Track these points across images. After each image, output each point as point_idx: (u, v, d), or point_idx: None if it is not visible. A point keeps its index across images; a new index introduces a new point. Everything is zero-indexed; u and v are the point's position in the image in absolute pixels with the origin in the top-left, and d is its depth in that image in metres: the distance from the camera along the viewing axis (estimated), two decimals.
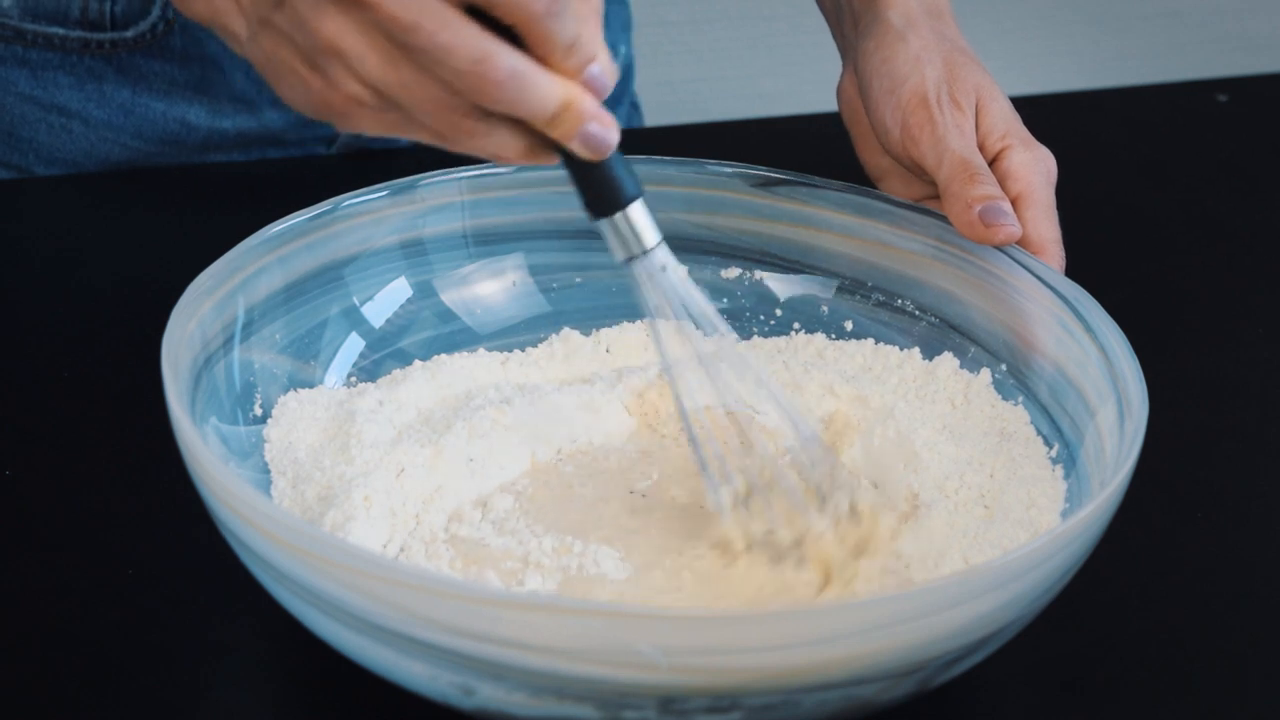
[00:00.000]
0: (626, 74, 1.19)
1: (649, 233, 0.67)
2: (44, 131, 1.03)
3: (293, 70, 0.64)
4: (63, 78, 1.01)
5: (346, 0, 0.61)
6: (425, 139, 0.64)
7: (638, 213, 0.67)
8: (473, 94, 0.62)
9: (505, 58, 0.61)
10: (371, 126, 0.64)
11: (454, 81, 0.61)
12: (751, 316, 0.85)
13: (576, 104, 0.63)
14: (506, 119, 0.63)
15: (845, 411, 0.78)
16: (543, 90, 0.62)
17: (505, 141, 0.64)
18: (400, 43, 0.61)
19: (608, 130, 0.64)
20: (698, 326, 0.70)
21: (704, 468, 0.71)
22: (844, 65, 0.89)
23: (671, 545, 0.72)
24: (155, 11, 0.98)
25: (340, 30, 0.62)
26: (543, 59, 0.62)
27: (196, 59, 1.01)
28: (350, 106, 0.64)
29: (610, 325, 0.84)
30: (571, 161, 0.65)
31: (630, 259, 0.68)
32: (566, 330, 0.83)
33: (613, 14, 1.15)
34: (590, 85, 0.63)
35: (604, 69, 0.64)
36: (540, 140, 0.64)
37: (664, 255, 0.68)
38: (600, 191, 0.66)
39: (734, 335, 0.71)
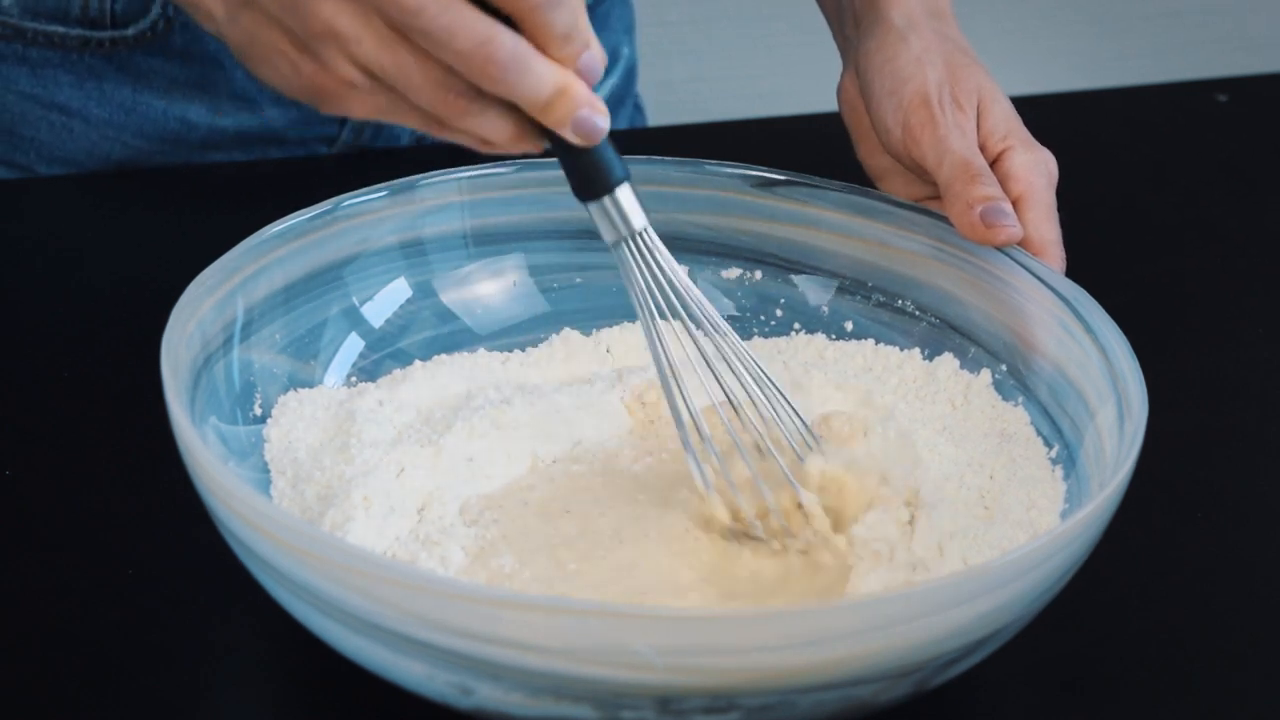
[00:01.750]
0: (630, 75, 1.19)
1: (637, 215, 0.69)
2: (45, 130, 1.03)
3: (280, 52, 0.65)
4: (63, 76, 1.01)
5: None
6: (412, 123, 0.65)
7: (626, 195, 0.68)
8: (475, 75, 0.63)
9: (508, 40, 0.63)
10: (360, 109, 0.65)
11: (456, 63, 0.62)
12: (751, 317, 0.85)
13: (571, 91, 0.64)
14: (498, 103, 0.64)
15: (849, 412, 0.78)
16: (540, 75, 0.63)
17: (495, 125, 0.65)
18: (400, 25, 0.62)
19: (600, 117, 0.65)
20: (683, 310, 0.71)
21: (688, 447, 0.72)
22: (844, 65, 0.89)
23: (673, 544, 0.72)
24: (155, 9, 0.98)
25: (336, 12, 0.63)
26: (540, 45, 0.64)
27: (197, 57, 1.01)
28: (342, 89, 0.65)
29: (610, 325, 0.84)
30: (561, 146, 0.66)
31: (619, 240, 0.69)
32: (567, 330, 0.83)
33: (615, 15, 1.15)
34: (583, 73, 0.65)
35: (596, 57, 0.65)
36: (528, 125, 0.65)
37: (651, 237, 0.69)
38: (590, 175, 0.68)
39: (723, 323, 0.71)
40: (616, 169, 0.68)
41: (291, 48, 0.65)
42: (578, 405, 0.78)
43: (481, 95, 0.64)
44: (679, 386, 0.71)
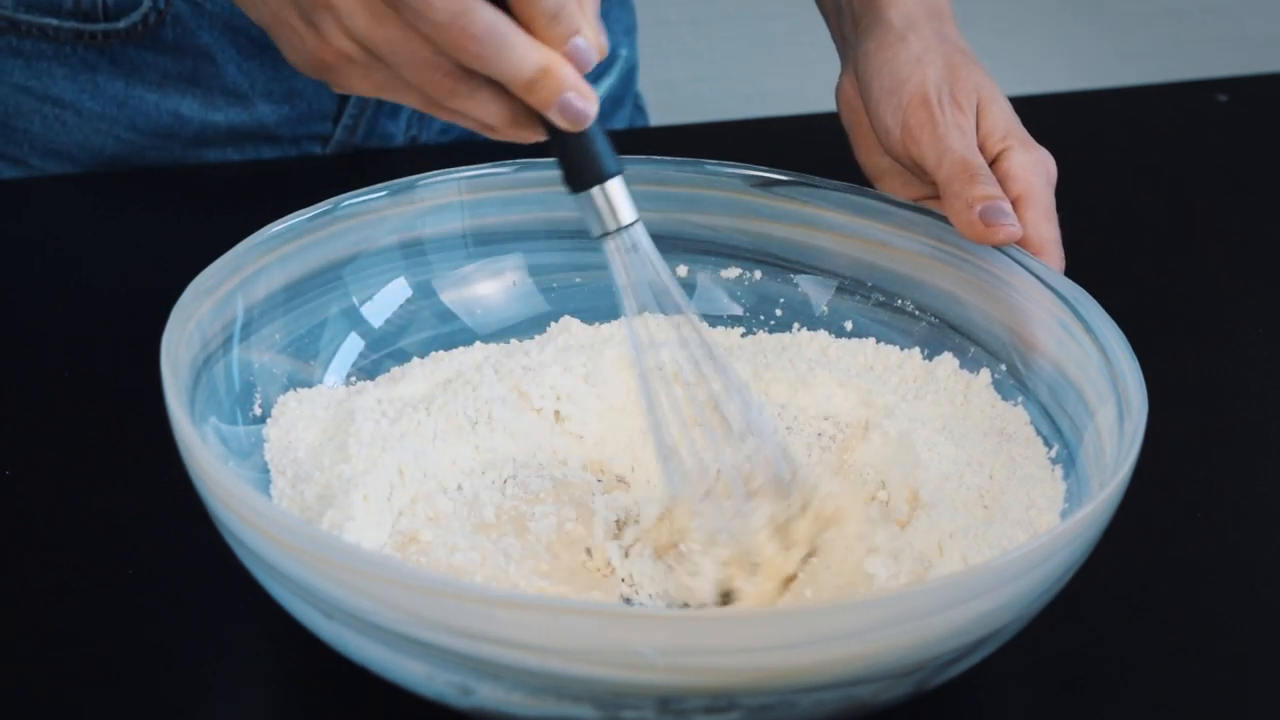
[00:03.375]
0: (630, 75, 1.19)
1: (625, 210, 0.69)
2: (38, 122, 1.03)
3: (290, 26, 0.67)
4: (56, 68, 1.01)
5: None
6: (412, 102, 0.66)
7: (615, 189, 0.68)
8: (452, 49, 0.63)
9: (484, 13, 0.63)
10: (361, 85, 0.66)
11: (434, 35, 0.63)
12: (751, 316, 0.85)
13: (556, 71, 0.64)
14: (489, 83, 0.65)
15: (852, 410, 0.79)
16: (520, 52, 0.64)
17: (488, 106, 0.65)
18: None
19: (586, 102, 0.65)
20: (663, 310, 0.71)
21: (664, 456, 0.71)
22: (843, 65, 0.89)
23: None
24: (146, 3, 0.99)
25: None
26: (527, 25, 0.64)
27: (189, 51, 1.01)
28: (341, 62, 0.66)
29: (610, 325, 0.84)
30: (553, 133, 0.67)
31: (605, 234, 0.69)
32: (566, 319, 0.83)
33: (616, 17, 1.15)
34: (573, 57, 0.65)
35: (590, 43, 0.65)
36: (524, 110, 0.66)
37: (639, 234, 0.69)
38: (579, 165, 0.68)
39: (702, 323, 0.71)
40: (608, 162, 0.68)
41: (299, 21, 0.66)
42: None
43: (471, 75, 0.64)
44: (658, 391, 0.71)
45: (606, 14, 1.13)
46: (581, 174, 0.68)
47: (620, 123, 1.18)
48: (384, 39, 0.64)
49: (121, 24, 1.00)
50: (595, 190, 0.68)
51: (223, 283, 0.75)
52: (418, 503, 0.73)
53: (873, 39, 0.85)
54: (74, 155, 1.04)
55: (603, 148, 0.67)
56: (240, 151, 1.05)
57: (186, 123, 1.03)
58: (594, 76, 1.14)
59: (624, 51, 1.17)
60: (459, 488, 0.75)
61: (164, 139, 1.04)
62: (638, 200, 0.82)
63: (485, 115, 0.66)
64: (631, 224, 0.69)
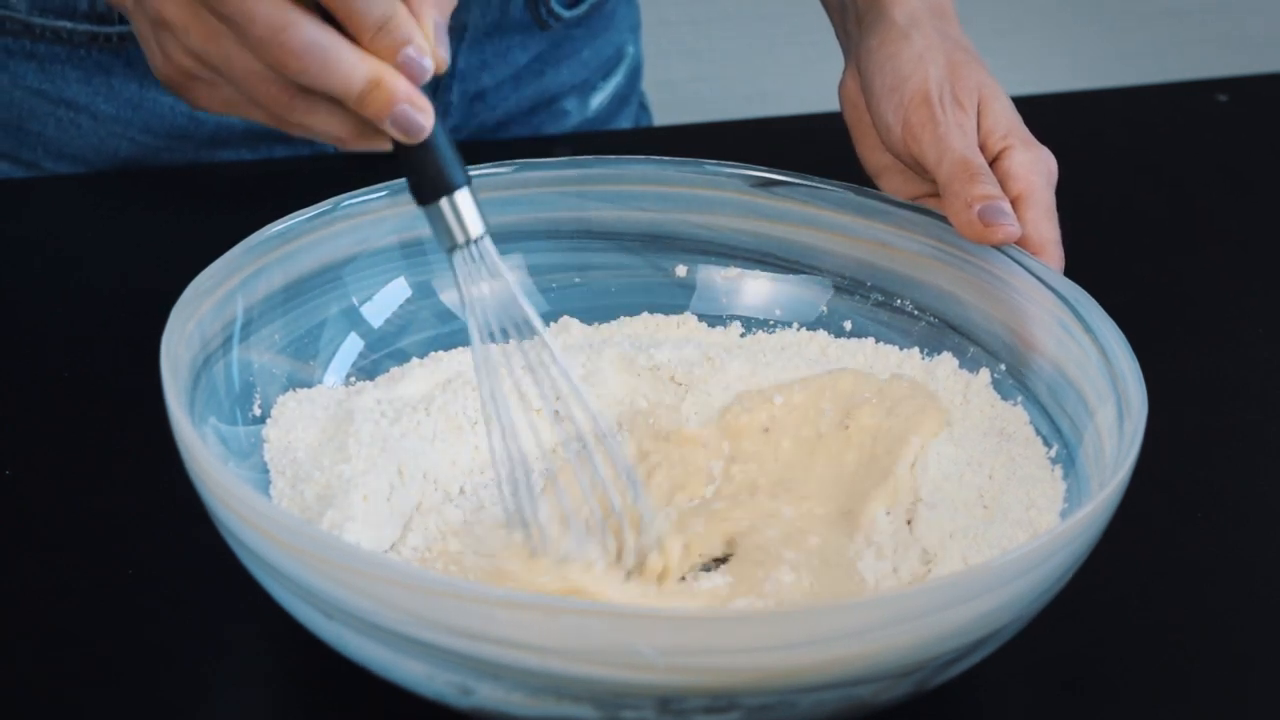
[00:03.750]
0: (635, 74, 1.19)
1: (473, 224, 0.68)
2: (52, 125, 1.03)
3: (148, 45, 0.67)
4: (71, 71, 1.01)
5: None
6: (260, 118, 0.66)
7: (462, 201, 0.67)
8: (276, 65, 0.63)
9: (305, 29, 0.63)
10: (210, 102, 0.67)
11: (258, 52, 0.63)
12: (751, 316, 0.85)
13: (386, 84, 0.64)
14: (328, 97, 0.64)
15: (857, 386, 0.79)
16: (347, 66, 0.63)
17: (330, 120, 0.65)
18: (216, 13, 0.63)
19: (420, 114, 0.65)
20: (512, 327, 0.69)
21: (501, 478, 0.69)
22: (846, 62, 0.89)
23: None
24: None
25: (168, 3, 0.64)
26: (356, 38, 0.64)
27: None
28: (185, 79, 0.66)
29: (610, 325, 0.84)
30: (396, 145, 0.66)
31: (452, 248, 0.68)
32: (565, 318, 0.83)
33: (620, 15, 1.15)
34: (405, 68, 0.64)
35: (422, 53, 0.64)
36: (367, 122, 0.65)
37: (486, 249, 0.68)
38: (423, 177, 0.67)
39: (551, 340, 0.69)
40: (453, 174, 0.67)
41: (150, 38, 0.67)
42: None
43: (307, 89, 0.64)
44: (499, 414, 0.69)
45: (613, 11, 1.13)
46: (425, 186, 0.67)
47: (625, 121, 1.18)
48: (219, 55, 0.64)
49: None
50: (443, 202, 0.67)
51: (223, 283, 0.75)
52: (428, 515, 0.73)
53: (875, 35, 0.85)
54: (88, 158, 1.04)
55: (448, 159, 0.66)
56: (254, 151, 1.05)
57: (201, 124, 1.03)
58: (602, 75, 1.14)
59: (630, 49, 1.17)
60: (461, 491, 0.75)
61: (178, 140, 1.04)
62: (638, 200, 0.83)
63: (329, 129, 0.65)
64: (479, 238, 0.68)
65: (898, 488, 0.74)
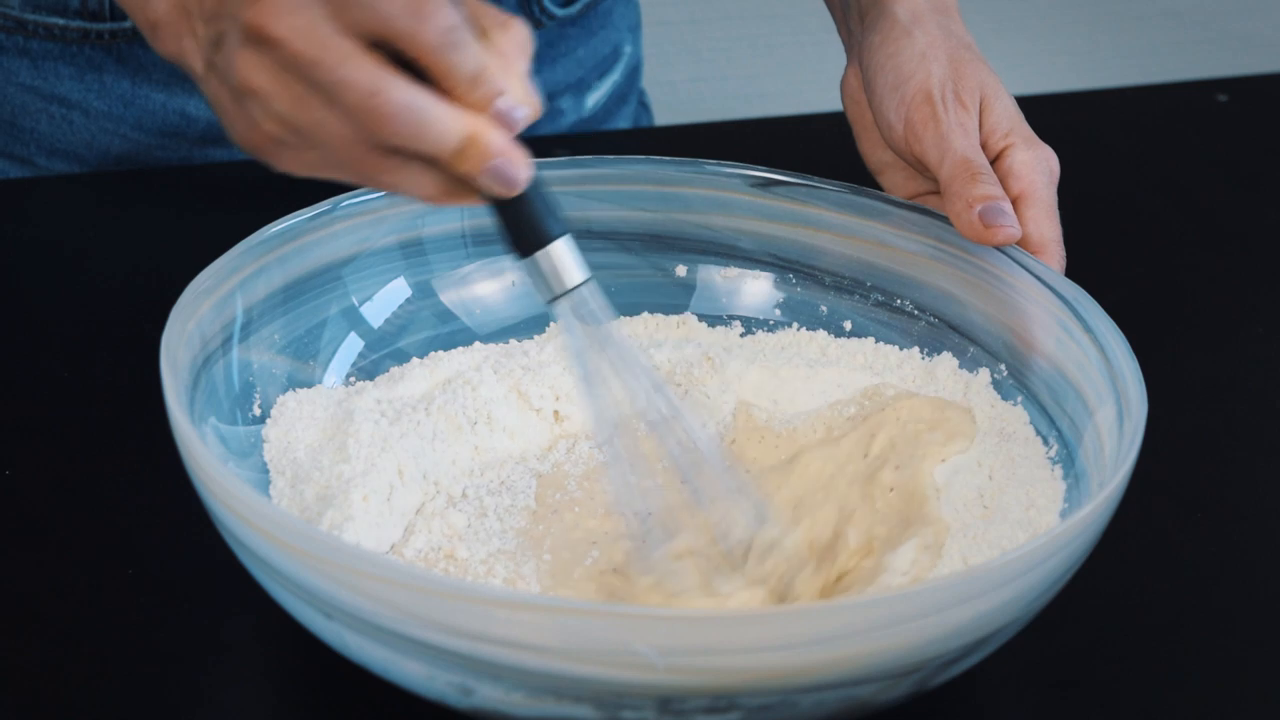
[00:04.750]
0: (634, 73, 1.19)
1: (573, 272, 0.67)
2: (45, 122, 1.03)
3: (226, 110, 0.65)
4: (63, 68, 1.01)
5: (257, 40, 0.61)
6: (347, 178, 0.64)
7: (561, 251, 0.66)
8: (371, 128, 0.61)
9: (400, 91, 0.61)
10: (295, 166, 0.64)
11: (352, 116, 0.61)
12: (751, 316, 0.85)
13: (482, 139, 0.62)
14: (418, 156, 0.63)
15: (860, 399, 0.79)
16: (442, 125, 0.62)
17: (420, 180, 0.63)
18: (307, 80, 0.61)
19: (517, 167, 0.63)
20: (620, 371, 0.69)
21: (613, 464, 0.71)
22: (848, 59, 0.89)
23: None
24: None
25: (253, 70, 0.62)
26: (449, 92, 0.62)
27: None
28: (270, 145, 0.64)
29: (610, 325, 0.84)
30: (490, 198, 0.65)
31: (553, 299, 0.67)
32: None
33: (620, 14, 1.15)
34: (500, 119, 0.62)
35: (518, 102, 0.63)
36: (458, 178, 0.64)
37: (590, 295, 0.67)
38: (520, 229, 0.66)
39: (665, 392, 0.70)
40: (550, 225, 0.66)
41: (232, 105, 0.64)
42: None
43: (399, 150, 0.62)
44: (621, 454, 0.69)
45: (610, 9, 1.13)
46: (523, 239, 0.66)
47: (625, 120, 1.18)
48: (308, 122, 0.62)
49: (128, 23, 1.00)
50: (540, 254, 0.66)
51: (223, 283, 0.75)
52: (432, 518, 0.73)
53: (878, 33, 0.85)
54: (81, 155, 1.04)
55: (544, 209, 0.65)
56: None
57: (193, 121, 1.03)
58: (598, 74, 1.14)
59: (628, 49, 1.17)
60: (464, 495, 0.75)
61: (171, 138, 1.04)
62: (638, 200, 0.83)
63: (420, 189, 0.64)
64: (581, 284, 0.67)
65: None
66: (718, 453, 0.72)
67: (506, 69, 0.63)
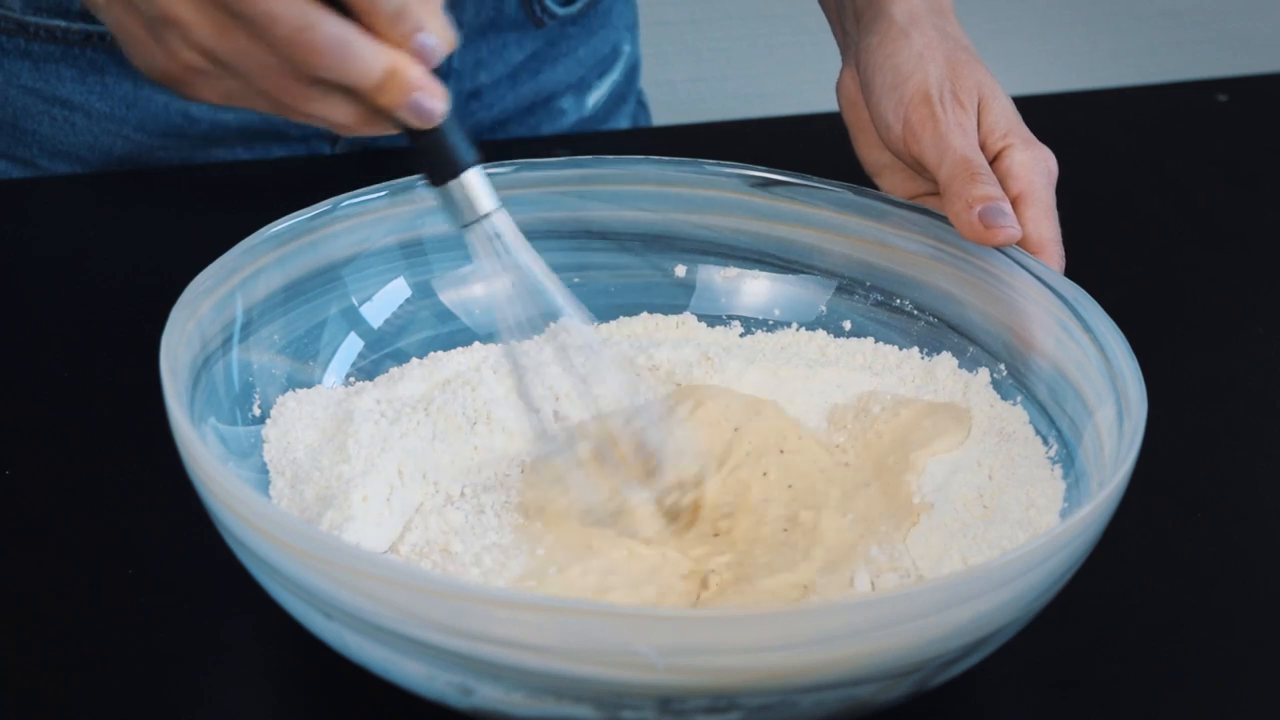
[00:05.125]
0: (632, 72, 1.19)
1: (485, 200, 0.69)
2: (47, 124, 1.03)
3: (138, 39, 0.67)
4: (65, 70, 1.01)
5: None
6: (264, 108, 0.66)
7: (473, 180, 0.68)
8: (298, 61, 0.63)
9: (328, 25, 0.63)
10: (212, 95, 0.67)
11: (280, 48, 0.63)
12: (750, 316, 0.85)
13: (403, 72, 0.64)
14: (339, 86, 0.65)
15: (857, 404, 0.79)
16: (367, 58, 0.64)
17: (339, 109, 0.65)
18: (231, 11, 0.63)
19: (435, 100, 0.65)
20: (534, 295, 0.71)
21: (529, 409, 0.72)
22: (844, 61, 0.89)
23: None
24: None
25: (175, 0, 0.64)
26: (370, 27, 0.64)
27: None
28: (189, 75, 0.66)
29: (609, 325, 0.84)
30: (408, 131, 0.67)
31: (465, 225, 0.69)
32: (565, 319, 0.83)
33: (617, 13, 1.15)
34: (420, 54, 0.65)
35: (434, 39, 0.65)
36: (374, 109, 0.66)
37: (501, 222, 0.69)
38: (435, 160, 0.68)
39: (581, 311, 0.71)
40: (463, 154, 0.68)
41: (145, 34, 0.66)
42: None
43: (320, 79, 0.64)
44: (525, 380, 0.70)
45: (609, 9, 1.14)
46: (436, 169, 0.68)
47: (623, 120, 1.18)
48: (230, 50, 0.64)
49: None
50: (453, 183, 0.68)
51: (222, 283, 0.75)
52: (429, 516, 0.73)
53: (875, 34, 0.85)
54: (84, 156, 1.04)
55: (457, 141, 0.68)
56: (250, 150, 1.05)
57: (195, 122, 1.03)
58: (598, 73, 1.14)
59: (626, 47, 1.17)
60: (462, 494, 0.75)
61: (173, 139, 1.04)
62: (638, 200, 0.83)
63: (337, 116, 0.66)
64: (491, 213, 0.69)
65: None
66: (623, 367, 0.73)
67: (425, 5, 0.65)
